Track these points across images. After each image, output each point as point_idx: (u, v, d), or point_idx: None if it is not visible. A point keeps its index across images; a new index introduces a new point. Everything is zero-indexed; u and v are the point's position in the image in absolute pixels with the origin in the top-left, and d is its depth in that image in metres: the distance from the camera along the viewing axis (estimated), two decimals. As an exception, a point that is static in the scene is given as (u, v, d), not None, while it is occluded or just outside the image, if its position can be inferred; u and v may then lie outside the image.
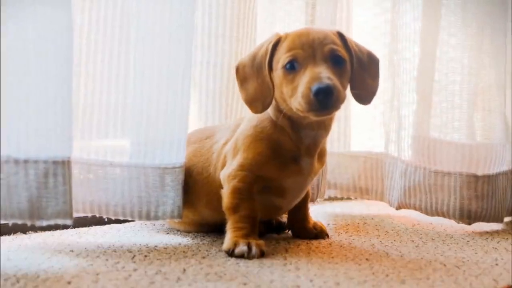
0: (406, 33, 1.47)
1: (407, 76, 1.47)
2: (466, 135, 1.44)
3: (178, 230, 1.29)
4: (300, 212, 1.24)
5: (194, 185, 1.19)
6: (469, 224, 1.40)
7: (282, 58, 1.06)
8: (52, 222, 1.01)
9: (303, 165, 1.12)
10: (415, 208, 1.45)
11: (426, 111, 1.45)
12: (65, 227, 1.25)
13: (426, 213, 1.43)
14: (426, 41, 1.45)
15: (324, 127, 1.13)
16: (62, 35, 1.01)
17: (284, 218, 1.31)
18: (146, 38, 1.14)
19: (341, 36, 1.11)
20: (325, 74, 1.01)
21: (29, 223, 0.99)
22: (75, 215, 1.21)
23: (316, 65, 1.03)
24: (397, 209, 1.48)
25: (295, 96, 1.03)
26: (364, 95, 1.13)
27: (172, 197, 1.16)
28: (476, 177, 1.39)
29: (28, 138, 0.99)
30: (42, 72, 1.00)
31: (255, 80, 1.11)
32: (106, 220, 1.27)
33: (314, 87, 0.99)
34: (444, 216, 1.41)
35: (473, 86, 1.44)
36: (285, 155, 1.11)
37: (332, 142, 1.59)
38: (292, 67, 1.05)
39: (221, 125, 1.29)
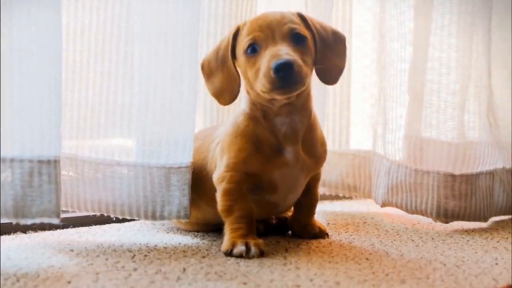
0: (394, 34, 1.47)
1: (394, 78, 1.47)
2: (450, 134, 1.44)
3: (181, 230, 1.28)
4: (302, 212, 1.24)
5: (197, 182, 1.19)
6: (446, 222, 1.41)
7: (242, 43, 1.07)
8: (37, 221, 1.01)
9: (287, 155, 1.11)
10: (397, 206, 1.46)
11: (415, 110, 1.46)
12: (65, 226, 1.26)
13: (407, 211, 1.44)
14: (417, 42, 1.45)
15: (298, 112, 1.11)
16: (51, 35, 1.01)
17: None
18: (151, 37, 1.15)
19: (301, 16, 1.12)
20: (284, 51, 1.02)
21: (14, 221, 1.00)
22: (83, 213, 1.24)
23: (276, 45, 1.04)
24: (382, 206, 1.50)
25: (258, 78, 1.03)
26: (329, 74, 1.13)
27: (177, 197, 1.16)
28: (453, 176, 1.39)
29: (15, 137, 1.00)
30: (29, 72, 1.00)
31: (221, 72, 1.12)
32: (106, 219, 1.27)
33: (273, 64, 0.99)
34: (422, 214, 1.42)
35: (459, 86, 1.44)
36: (266, 147, 1.11)
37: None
38: (253, 51, 1.06)
39: (223, 123, 1.29)
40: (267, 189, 1.14)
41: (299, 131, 1.12)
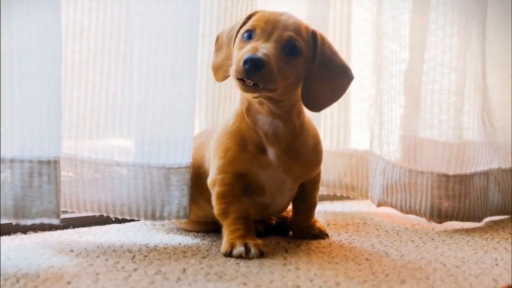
0: (392, 35, 1.47)
1: (391, 79, 1.48)
2: (445, 134, 1.45)
3: (182, 230, 1.28)
4: (301, 214, 1.23)
5: (197, 179, 1.19)
6: (440, 223, 1.42)
7: (245, 27, 1.08)
8: (37, 221, 1.01)
9: (270, 156, 1.11)
10: (392, 206, 1.47)
11: (411, 111, 1.46)
12: (64, 227, 1.25)
13: (401, 211, 1.45)
14: (414, 43, 1.46)
15: (281, 119, 1.10)
16: (50, 35, 1.01)
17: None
18: (151, 38, 1.15)
19: (313, 35, 1.09)
20: (264, 50, 1.01)
21: (14, 222, 1.00)
22: (83, 214, 1.24)
23: (266, 42, 1.03)
24: (377, 206, 1.50)
25: (235, 63, 1.03)
26: (314, 100, 1.11)
27: (177, 197, 1.16)
28: (447, 176, 1.40)
29: (15, 137, 0.99)
30: (29, 72, 1.00)
31: (226, 48, 1.13)
32: (106, 220, 1.27)
33: (247, 55, 0.99)
34: (416, 214, 1.43)
35: (455, 87, 1.44)
36: (250, 145, 1.11)
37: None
38: (248, 37, 1.06)
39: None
40: (255, 190, 1.14)
41: (280, 136, 1.11)
